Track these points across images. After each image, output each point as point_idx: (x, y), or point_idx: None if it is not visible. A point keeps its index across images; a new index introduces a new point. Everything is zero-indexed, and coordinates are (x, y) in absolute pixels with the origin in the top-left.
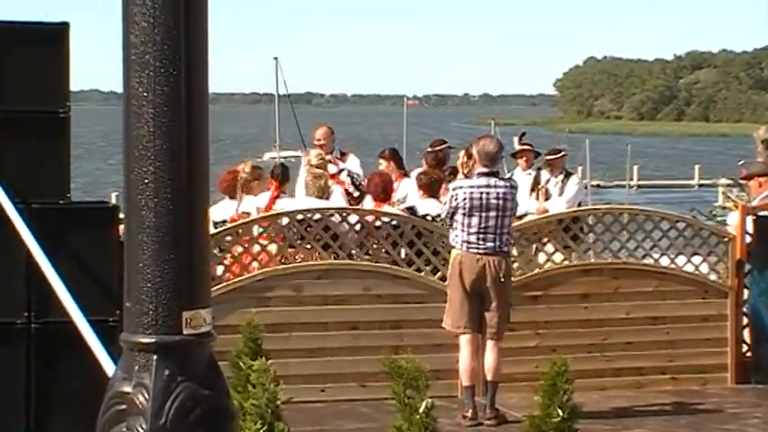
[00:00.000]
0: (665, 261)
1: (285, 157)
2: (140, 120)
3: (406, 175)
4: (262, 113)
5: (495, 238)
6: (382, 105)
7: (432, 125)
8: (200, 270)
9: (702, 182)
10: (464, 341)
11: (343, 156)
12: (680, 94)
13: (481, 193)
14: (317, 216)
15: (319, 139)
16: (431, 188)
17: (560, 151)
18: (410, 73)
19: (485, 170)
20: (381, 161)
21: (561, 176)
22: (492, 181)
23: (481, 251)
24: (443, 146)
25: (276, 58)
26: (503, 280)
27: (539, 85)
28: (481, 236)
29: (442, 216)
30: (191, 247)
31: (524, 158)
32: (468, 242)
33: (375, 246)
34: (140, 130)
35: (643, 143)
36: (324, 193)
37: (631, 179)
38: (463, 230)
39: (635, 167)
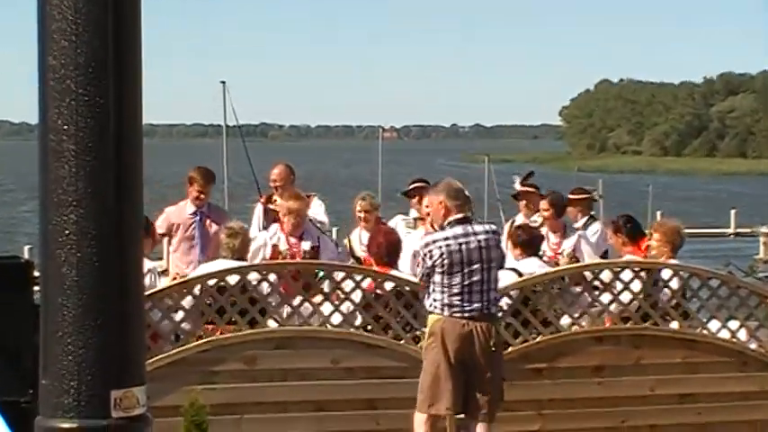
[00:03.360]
0: (676, 324)
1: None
2: (60, 158)
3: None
4: (207, 148)
5: (483, 298)
6: (353, 139)
7: (413, 162)
8: (132, 340)
9: (740, 230)
10: (445, 425)
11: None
12: (711, 125)
13: (460, 244)
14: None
15: (275, 180)
16: (531, 245)
17: (586, 192)
18: (386, 100)
19: (459, 216)
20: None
21: (582, 221)
22: (470, 228)
23: (467, 315)
24: (420, 184)
25: (224, 82)
26: (494, 349)
27: (541, 114)
28: (466, 296)
29: (418, 280)
30: (121, 311)
31: (527, 202)
32: (451, 305)
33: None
34: (60, 171)
35: (667, 183)
36: (241, 254)
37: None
38: (443, 292)
39: (658, 213)
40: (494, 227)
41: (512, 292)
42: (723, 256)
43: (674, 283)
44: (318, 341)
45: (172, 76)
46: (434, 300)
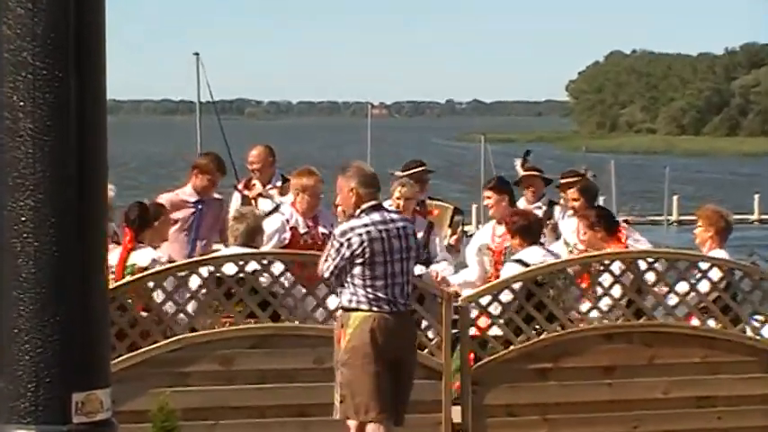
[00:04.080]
0: (713, 322)
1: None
2: (16, 137)
3: None
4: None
5: (404, 291)
6: (339, 116)
7: (405, 142)
8: (95, 338)
9: (764, 216)
10: None
11: (285, 185)
12: (733, 101)
13: (380, 231)
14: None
15: (253, 163)
16: (530, 232)
17: (581, 175)
18: (376, 74)
19: (374, 203)
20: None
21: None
22: (387, 215)
23: (394, 310)
24: (419, 169)
25: (197, 54)
26: (415, 346)
27: (546, 89)
28: (389, 289)
29: (326, 275)
30: (84, 306)
31: (531, 187)
32: (377, 299)
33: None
34: (16, 152)
35: (685, 165)
36: (247, 239)
37: (670, 213)
38: (366, 285)
39: (674, 198)
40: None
41: (514, 285)
42: (745, 245)
43: (714, 275)
44: (301, 339)
45: (139, 48)
46: (354, 294)
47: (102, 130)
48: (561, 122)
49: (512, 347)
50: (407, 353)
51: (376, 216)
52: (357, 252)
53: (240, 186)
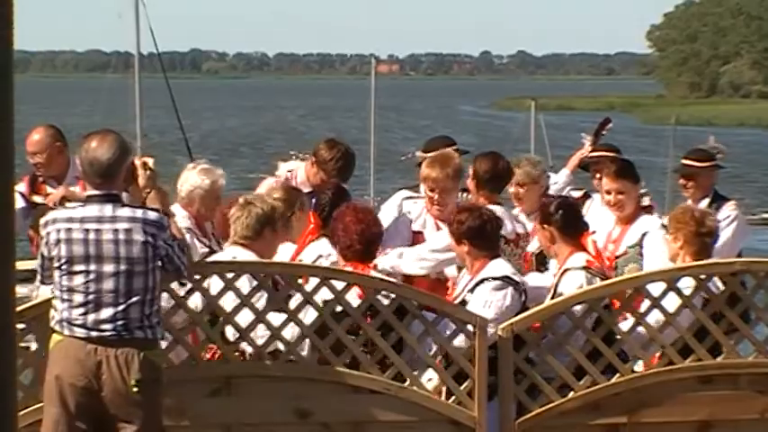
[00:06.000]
0: None
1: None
2: None
3: None
4: (109, 88)
5: (117, 314)
6: (333, 72)
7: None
8: None
9: None
10: None
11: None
12: None
13: (86, 231)
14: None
15: (35, 154)
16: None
17: (709, 157)
18: (384, 17)
19: (96, 192)
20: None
21: (703, 203)
22: (108, 210)
23: (94, 336)
24: (447, 148)
25: None
26: (136, 390)
27: (619, 39)
28: (92, 307)
29: (39, 278)
30: None
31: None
32: (71, 320)
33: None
34: None
35: None
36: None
37: None
38: (63, 299)
39: None
40: (157, 215)
41: (576, 308)
42: None
43: None
44: (275, 381)
45: None
46: (55, 309)
47: (6, 93)
48: (640, 84)
49: (571, 395)
50: (114, 400)
51: (92, 209)
52: (54, 253)
53: (24, 190)
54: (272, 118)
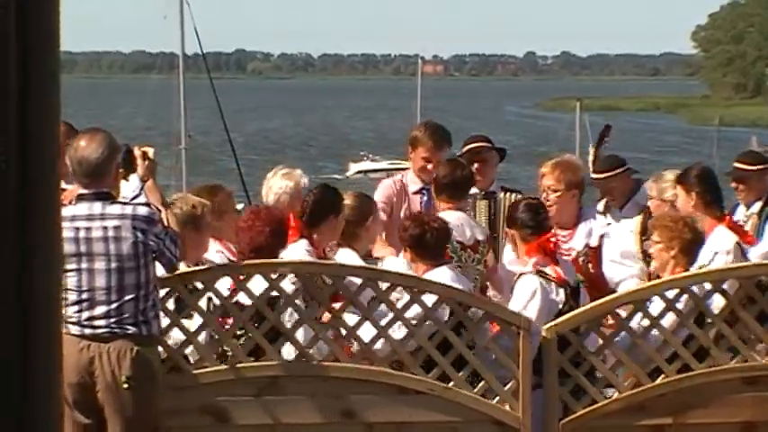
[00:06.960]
0: None
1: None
2: None
3: None
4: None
5: (110, 311)
6: (377, 73)
7: (470, 110)
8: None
9: None
10: None
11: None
12: None
13: (76, 229)
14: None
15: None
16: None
17: (762, 160)
18: (429, 17)
19: (86, 191)
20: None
21: (756, 206)
22: (97, 207)
23: (88, 333)
24: (475, 144)
25: None
26: (126, 386)
27: (664, 39)
28: (85, 305)
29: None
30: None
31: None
32: (65, 318)
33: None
34: None
35: None
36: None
37: None
38: (65, 298)
39: None
40: (148, 209)
41: (620, 310)
42: None
43: None
44: (323, 381)
45: None
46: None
47: (53, 96)
48: (685, 85)
49: (616, 395)
50: (107, 397)
51: (82, 207)
52: None
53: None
54: (317, 119)
